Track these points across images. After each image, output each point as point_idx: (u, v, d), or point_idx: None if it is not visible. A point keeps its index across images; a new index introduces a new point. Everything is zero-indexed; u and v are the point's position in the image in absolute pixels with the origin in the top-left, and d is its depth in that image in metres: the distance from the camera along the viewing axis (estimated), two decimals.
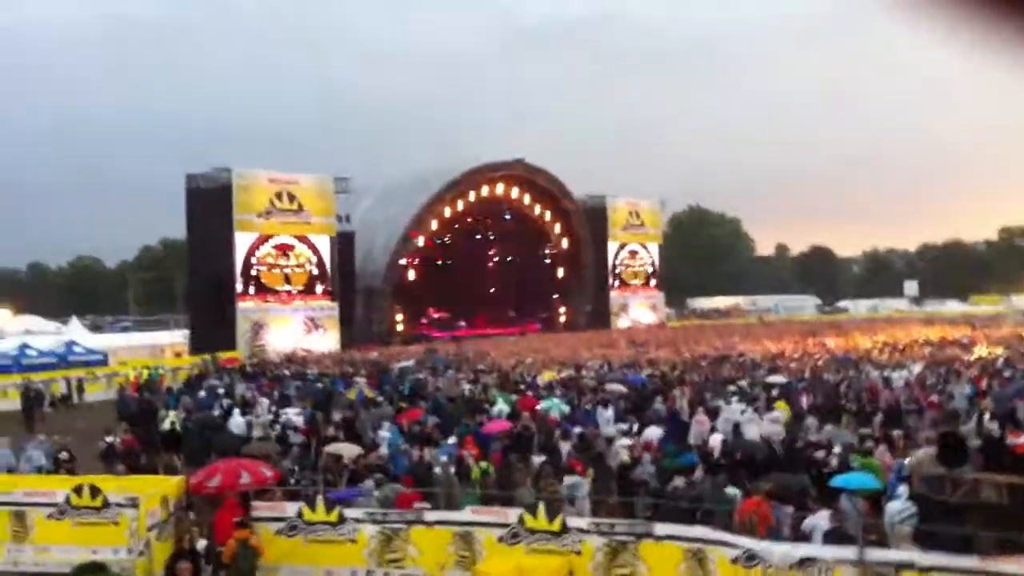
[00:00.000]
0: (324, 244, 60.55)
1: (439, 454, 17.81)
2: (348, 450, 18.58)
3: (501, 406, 24.05)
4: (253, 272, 57.27)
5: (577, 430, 20.22)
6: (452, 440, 19.05)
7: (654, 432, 19.84)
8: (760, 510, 13.20)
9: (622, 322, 79.41)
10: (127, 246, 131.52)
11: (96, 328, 72.77)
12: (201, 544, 11.95)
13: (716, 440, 19.07)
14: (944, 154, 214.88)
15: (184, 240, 65.24)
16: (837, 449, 16.42)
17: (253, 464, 16.19)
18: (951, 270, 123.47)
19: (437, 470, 16.69)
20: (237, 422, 23.52)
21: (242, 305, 56.23)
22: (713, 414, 21.50)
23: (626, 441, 18.92)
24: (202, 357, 47.41)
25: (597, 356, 42.60)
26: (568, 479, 15.31)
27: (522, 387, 28.98)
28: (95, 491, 14.88)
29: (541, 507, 13.24)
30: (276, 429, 23.04)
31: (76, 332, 57.01)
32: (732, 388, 26.33)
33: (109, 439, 23.43)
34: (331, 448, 18.98)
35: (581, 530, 12.90)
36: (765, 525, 12.88)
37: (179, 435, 23.07)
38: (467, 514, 13.76)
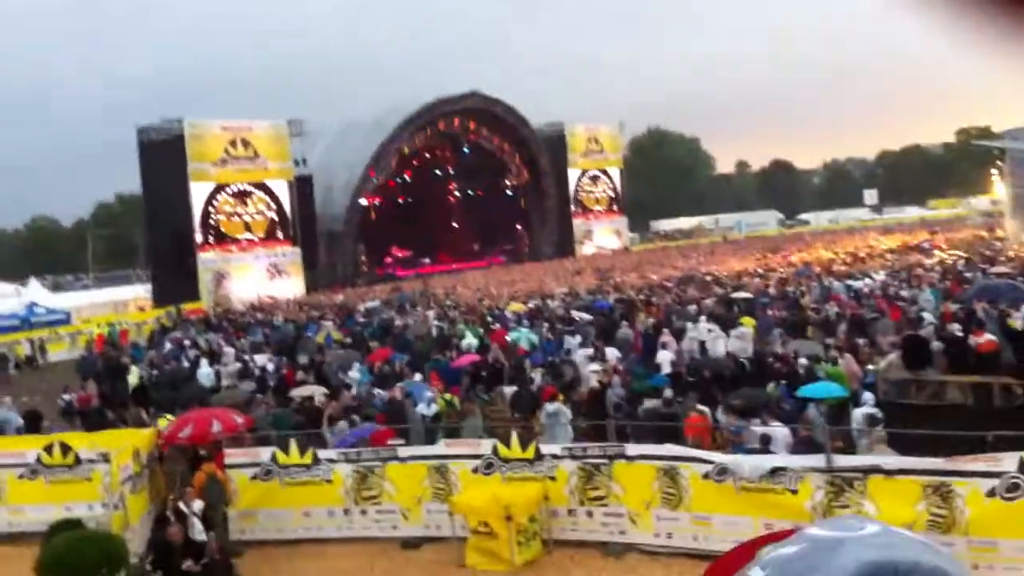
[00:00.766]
0: (282, 189, 59.83)
1: (409, 389, 17.88)
2: (314, 392, 18.63)
3: (470, 340, 24.07)
4: (212, 222, 56.55)
5: (548, 358, 20.35)
6: (418, 377, 19.06)
7: (612, 353, 20.05)
8: (698, 425, 13.45)
9: (586, 249, 79.48)
10: (83, 204, 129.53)
11: (57, 288, 71.76)
12: (197, 505, 11.83)
13: (664, 357, 19.31)
14: (902, 60, 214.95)
15: (140, 195, 64.24)
16: (803, 360, 16.60)
17: (224, 413, 16.14)
18: (910, 175, 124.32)
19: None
20: (205, 372, 23.42)
21: (203, 256, 55.59)
22: (680, 335, 21.64)
23: (596, 367, 19.03)
24: (166, 310, 47.04)
25: (563, 285, 42.66)
26: (549, 406, 15.39)
27: (490, 320, 28.98)
28: (66, 449, 14.79)
29: (515, 436, 13.33)
30: (251, 376, 23.00)
31: (36, 293, 56.09)
32: (695, 307, 26.48)
33: (67, 397, 23.44)
34: (296, 392, 18.99)
35: (555, 456, 13.01)
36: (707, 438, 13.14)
37: (147, 389, 22.93)
38: (441, 447, 13.83)
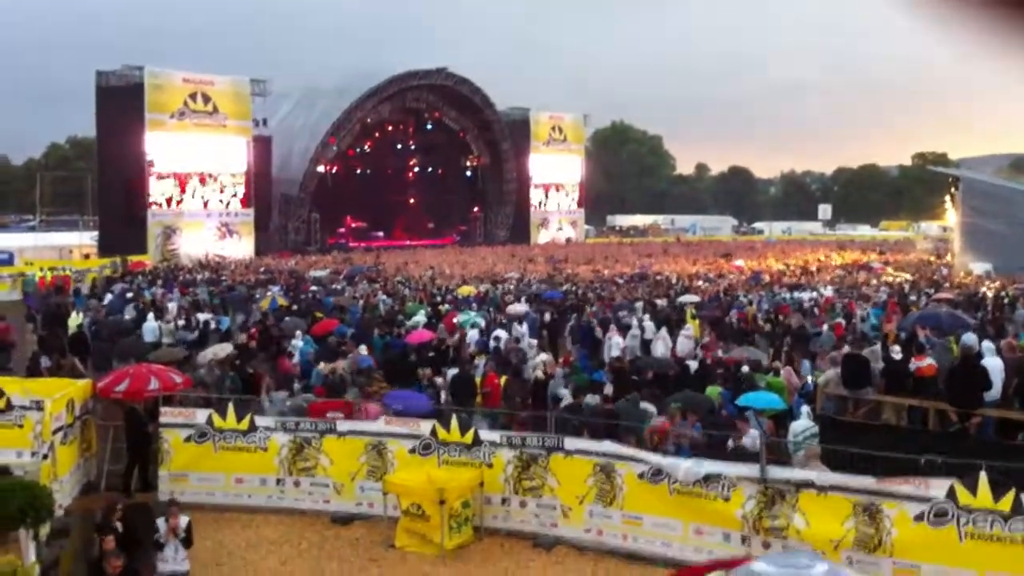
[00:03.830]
0: (240, 147, 58.97)
1: (357, 362, 17.80)
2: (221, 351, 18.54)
3: (418, 319, 23.93)
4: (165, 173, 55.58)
5: (493, 344, 20.33)
6: (363, 350, 18.94)
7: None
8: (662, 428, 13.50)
9: (542, 237, 79.55)
10: (35, 144, 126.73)
11: (1, 227, 70.42)
12: (183, 520, 10.70)
13: (608, 352, 19.50)
14: (865, 80, 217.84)
15: (93, 139, 62.99)
16: (745, 368, 16.75)
17: (163, 370, 15.93)
18: (865, 194, 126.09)
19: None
20: (150, 327, 23.01)
21: (153, 209, 54.70)
22: (626, 332, 21.76)
23: (543, 356, 19.04)
24: (111, 260, 46.28)
25: (515, 270, 42.69)
26: None
27: (439, 300, 28.89)
28: None
29: (454, 420, 13.32)
30: (194, 333, 22.75)
31: None
32: (641, 304, 26.64)
33: None
34: (205, 353, 18.81)
35: (493, 443, 13.01)
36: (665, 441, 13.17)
37: (85, 338, 22.54)
38: (380, 424, 13.75)
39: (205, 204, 57.52)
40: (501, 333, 21.73)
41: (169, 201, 55.70)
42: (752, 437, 12.58)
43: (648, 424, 13.66)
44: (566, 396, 15.82)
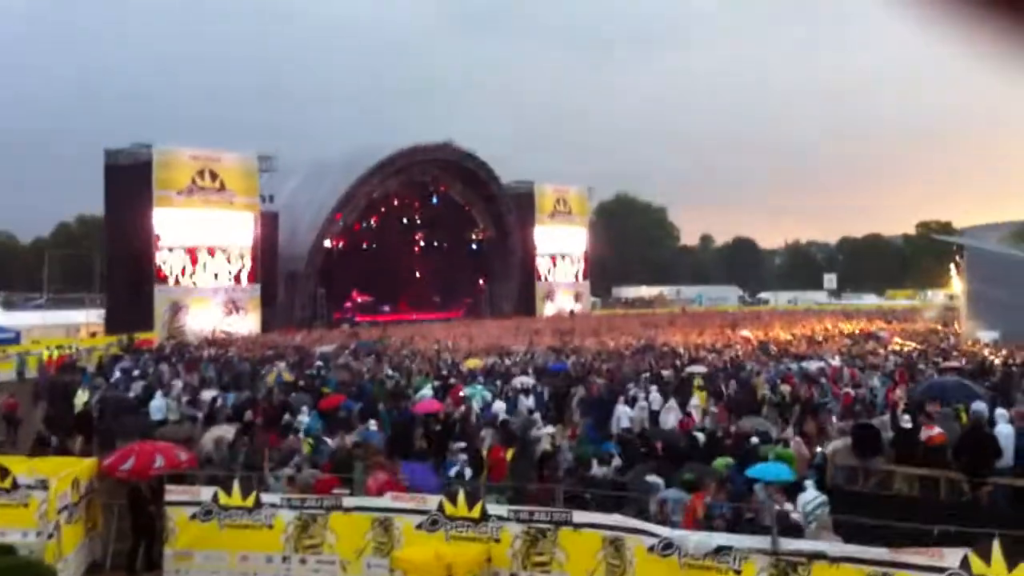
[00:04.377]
0: (247, 224, 59.45)
1: (365, 436, 17.73)
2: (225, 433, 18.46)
3: (425, 392, 23.92)
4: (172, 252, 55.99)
5: (501, 418, 20.25)
6: (373, 425, 18.89)
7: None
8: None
9: (547, 309, 79.65)
10: (43, 223, 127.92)
11: (9, 305, 70.73)
12: None
13: (617, 424, 19.42)
14: (868, 149, 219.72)
15: (101, 217, 63.58)
16: (754, 439, 16.65)
17: (168, 447, 15.89)
18: (870, 263, 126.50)
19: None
20: (157, 405, 23.00)
21: (160, 286, 54.96)
22: (632, 403, 21.69)
23: (548, 429, 18.97)
24: (117, 337, 46.38)
25: (522, 343, 42.68)
26: None
27: (445, 373, 28.87)
28: (4, 472, 14.41)
29: (461, 494, 13.21)
30: (200, 411, 22.69)
31: None
32: (648, 376, 26.58)
33: None
34: (210, 434, 18.70)
35: (500, 517, 12.88)
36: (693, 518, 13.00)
37: (90, 416, 22.51)
38: (386, 500, 13.65)
39: (213, 279, 57.78)
40: (499, 405, 21.74)
41: (176, 278, 55.98)
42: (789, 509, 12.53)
43: (655, 497, 13.54)
44: (567, 464, 15.82)
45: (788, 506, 12.80)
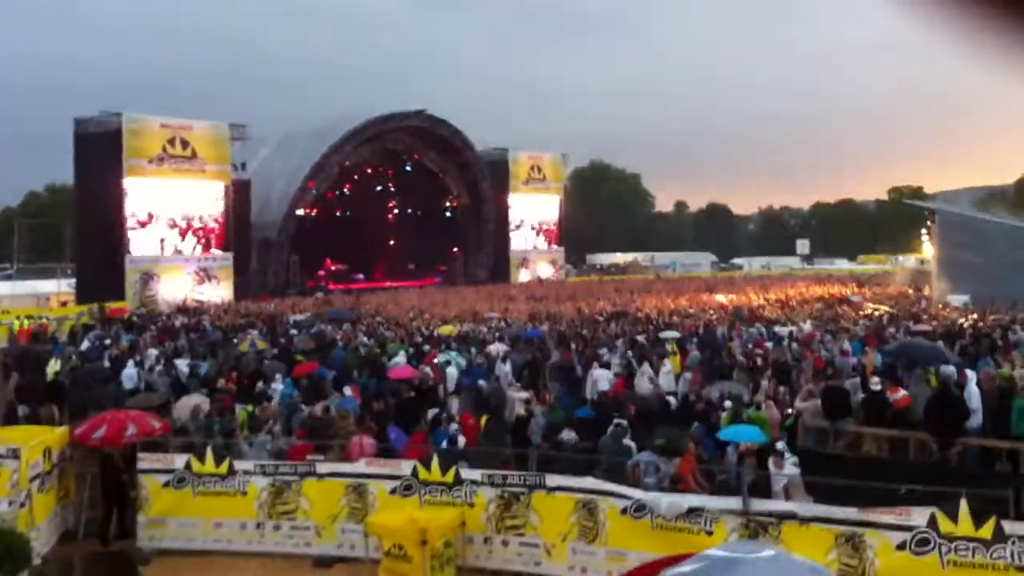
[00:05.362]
0: (218, 192, 58.96)
1: (341, 404, 17.71)
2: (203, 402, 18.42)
3: (399, 359, 23.88)
4: (143, 220, 55.47)
5: (478, 383, 20.30)
6: (347, 391, 18.88)
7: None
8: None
9: (522, 276, 79.63)
10: (11, 192, 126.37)
11: None
12: None
13: (591, 389, 19.57)
14: (840, 116, 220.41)
15: (71, 186, 62.90)
16: (727, 403, 16.76)
17: (140, 416, 15.82)
18: (842, 229, 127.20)
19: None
20: (129, 374, 22.90)
21: (131, 255, 54.48)
22: (607, 368, 21.76)
23: (523, 395, 19.04)
24: (88, 307, 46.01)
25: (496, 310, 42.68)
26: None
27: (420, 340, 28.84)
28: None
29: (435, 459, 13.25)
30: (172, 379, 22.59)
31: None
32: (622, 341, 26.65)
33: None
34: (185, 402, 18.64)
35: (474, 482, 12.95)
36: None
37: (62, 385, 22.36)
38: (360, 466, 13.68)
39: (182, 250, 57.35)
40: (452, 372, 21.91)
41: (147, 247, 55.48)
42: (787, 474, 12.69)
43: (628, 460, 13.62)
44: (538, 433, 15.88)
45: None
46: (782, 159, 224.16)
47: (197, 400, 18.54)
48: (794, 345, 25.35)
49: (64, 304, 51.38)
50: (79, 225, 58.75)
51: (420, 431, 16.22)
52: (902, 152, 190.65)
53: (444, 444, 14.95)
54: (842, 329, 29.09)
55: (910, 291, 52.48)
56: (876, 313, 36.59)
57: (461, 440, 15.36)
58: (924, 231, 59.28)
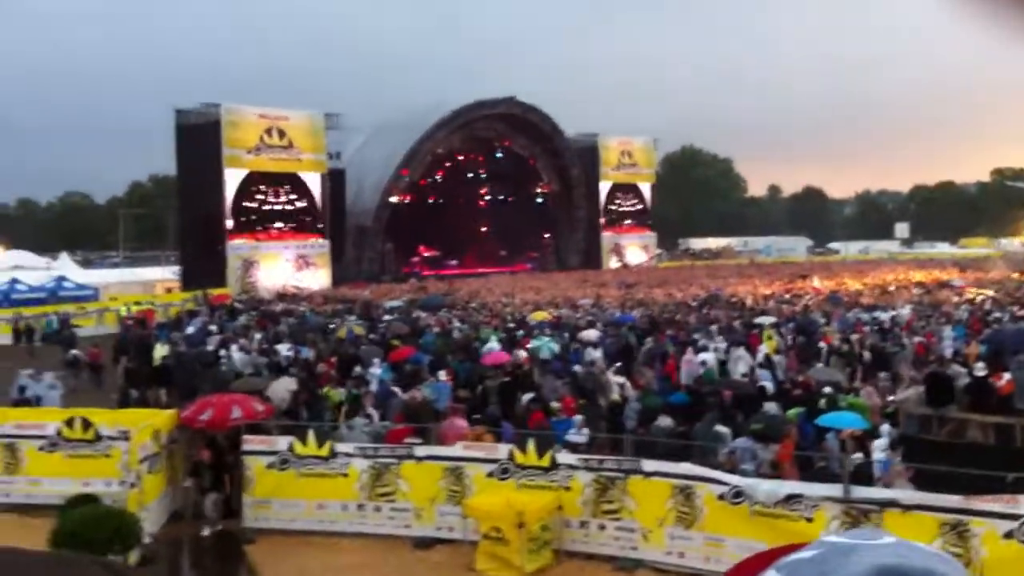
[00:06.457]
0: (315, 181, 60.09)
1: (435, 388, 17.97)
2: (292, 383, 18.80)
3: (492, 344, 24.07)
4: (244, 208, 56.87)
5: (574, 368, 20.37)
6: (443, 375, 19.13)
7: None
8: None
9: (614, 262, 79.31)
10: (117, 182, 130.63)
11: (86, 264, 72.53)
12: None
13: (685, 375, 19.43)
14: (939, 96, 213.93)
15: (174, 177, 64.72)
16: (826, 389, 16.52)
17: (245, 399, 16.26)
18: (943, 212, 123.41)
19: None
20: (236, 358, 23.53)
21: (233, 242, 55.92)
22: (701, 353, 21.59)
23: (619, 379, 19.03)
24: (193, 293, 47.35)
25: (588, 296, 42.66)
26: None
27: (512, 326, 29.01)
28: (87, 424, 14.98)
29: (531, 443, 13.36)
30: (275, 364, 23.11)
31: (66, 267, 56.76)
32: (716, 327, 26.40)
33: (75, 352, 25.45)
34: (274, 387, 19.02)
35: (571, 466, 13.03)
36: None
37: (169, 369, 23.11)
38: (458, 449, 13.88)
39: (282, 236, 58.61)
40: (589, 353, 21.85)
41: (247, 235, 56.87)
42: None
43: (724, 447, 13.55)
44: (632, 418, 15.83)
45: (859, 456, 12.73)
46: (879, 141, 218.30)
47: (287, 383, 18.97)
48: (895, 330, 24.82)
49: (169, 291, 52.95)
50: (182, 214, 60.41)
51: (537, 411, 16.20)
52: (1005, 132, 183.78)
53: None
54: (944, 315, 28.37)
55: (1014, 275, 50.80)
56: (979, 298, 35.56)
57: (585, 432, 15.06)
58: None
